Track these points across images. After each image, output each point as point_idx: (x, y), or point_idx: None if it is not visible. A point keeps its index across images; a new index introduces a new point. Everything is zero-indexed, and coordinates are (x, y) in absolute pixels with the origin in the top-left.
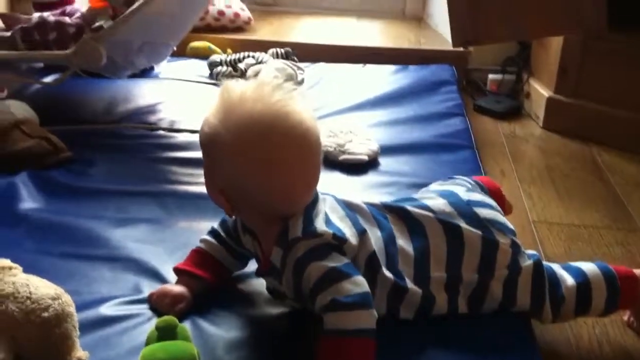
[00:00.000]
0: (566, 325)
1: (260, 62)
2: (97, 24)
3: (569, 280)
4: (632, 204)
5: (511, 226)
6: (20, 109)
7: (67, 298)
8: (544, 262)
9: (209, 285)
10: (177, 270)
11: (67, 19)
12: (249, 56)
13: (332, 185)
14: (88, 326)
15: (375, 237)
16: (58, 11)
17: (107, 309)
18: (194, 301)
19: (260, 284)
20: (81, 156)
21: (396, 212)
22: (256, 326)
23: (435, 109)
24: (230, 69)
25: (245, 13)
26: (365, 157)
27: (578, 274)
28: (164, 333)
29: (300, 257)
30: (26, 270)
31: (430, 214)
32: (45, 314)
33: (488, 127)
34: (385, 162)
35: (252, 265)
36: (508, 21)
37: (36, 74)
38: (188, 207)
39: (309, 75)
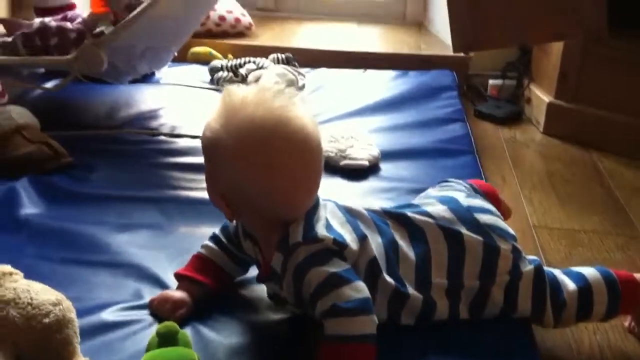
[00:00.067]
0: (567, 330)
1: (261, 68)
2: (98, 29)
3: (570, 285)
4: (632, 209)
5: (512, 232)
6: (21, 114)
7: (67, 304)
8: (545, 268)
9: (209, 291)
10: (178, 276)
11: (68, 25)
12: (249, 61)
13: (332, 191)
14: (89, 332)
15: (375, 242)
16: (59, 16)
17: (108, 315)
18: (194, 307)
19: (261, 290)
20: (82, 161)
21: (397, 218)
22: (257, 332)
23: (436, 115)
24: (231, 74)
25: (246, 18)
26: (367, 163)
27: (579, 278)
28: (165, 339)
29: (301, 262)
30: (27, 276)
31: (430, 220)
32: (46, 320)
33: (489, 132)
34: (385, 167)
35: (253, 271)
36: (509, 26)
37: (37, 79)
38: (189, 212)
39: (309, 80)
